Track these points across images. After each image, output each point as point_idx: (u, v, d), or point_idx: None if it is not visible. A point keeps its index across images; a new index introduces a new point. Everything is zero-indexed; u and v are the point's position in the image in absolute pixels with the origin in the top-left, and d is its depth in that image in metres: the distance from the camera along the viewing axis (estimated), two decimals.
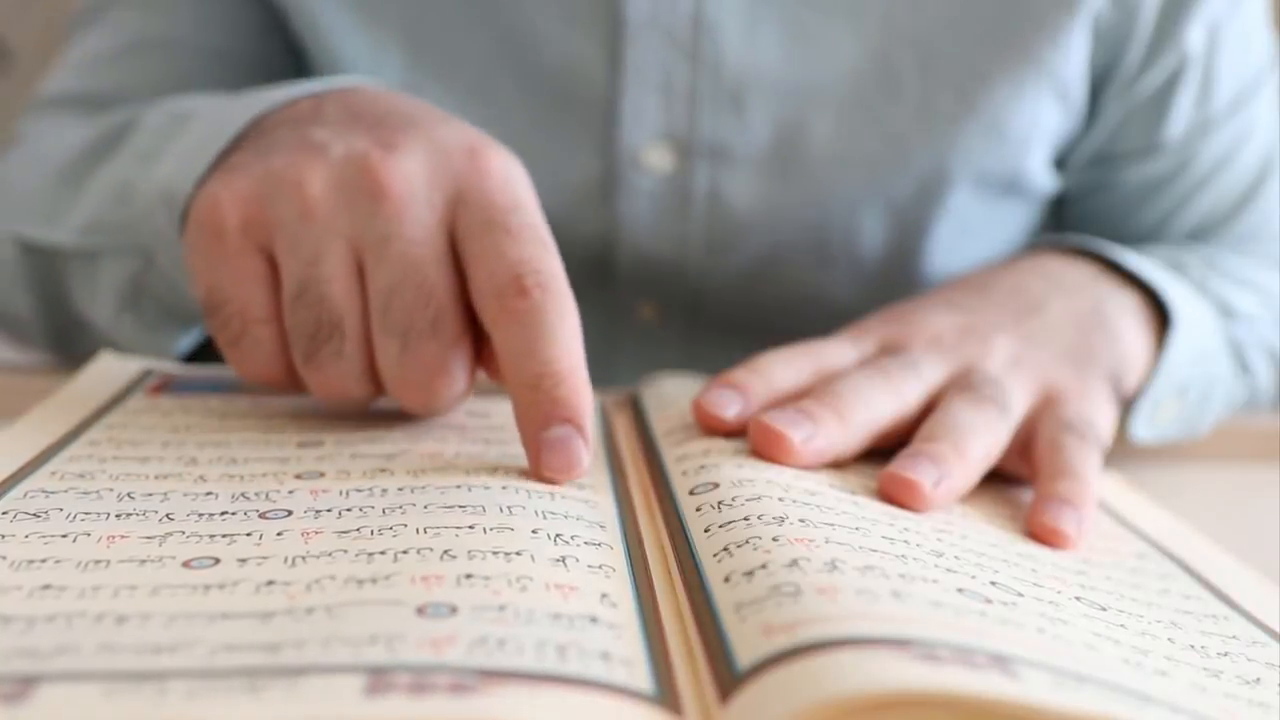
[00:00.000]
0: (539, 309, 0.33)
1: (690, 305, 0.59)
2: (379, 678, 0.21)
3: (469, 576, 0.26)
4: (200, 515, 0.30)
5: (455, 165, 0.35)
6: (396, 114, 0.37)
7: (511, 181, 0.35)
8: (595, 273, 0.59)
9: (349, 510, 0.30)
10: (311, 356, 0.35)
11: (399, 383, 0.35)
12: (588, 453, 0.33)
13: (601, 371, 0.59)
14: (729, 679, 0.23)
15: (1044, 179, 0.57)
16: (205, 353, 0.49)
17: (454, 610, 0.24)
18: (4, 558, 0.27)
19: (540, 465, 0.33)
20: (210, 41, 0.56)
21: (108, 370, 0.42)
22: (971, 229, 0.58)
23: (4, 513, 0.29)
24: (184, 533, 0.29)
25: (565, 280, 0.34)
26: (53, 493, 0.31)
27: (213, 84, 0.55)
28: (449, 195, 0.35)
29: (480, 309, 0.34)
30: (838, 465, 0.36)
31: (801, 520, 0.30)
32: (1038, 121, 0.55)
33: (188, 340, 0.48)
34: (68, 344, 0.52)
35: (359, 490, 0.32)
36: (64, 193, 0.49)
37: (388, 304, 0.34)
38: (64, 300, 0.50)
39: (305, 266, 0.34)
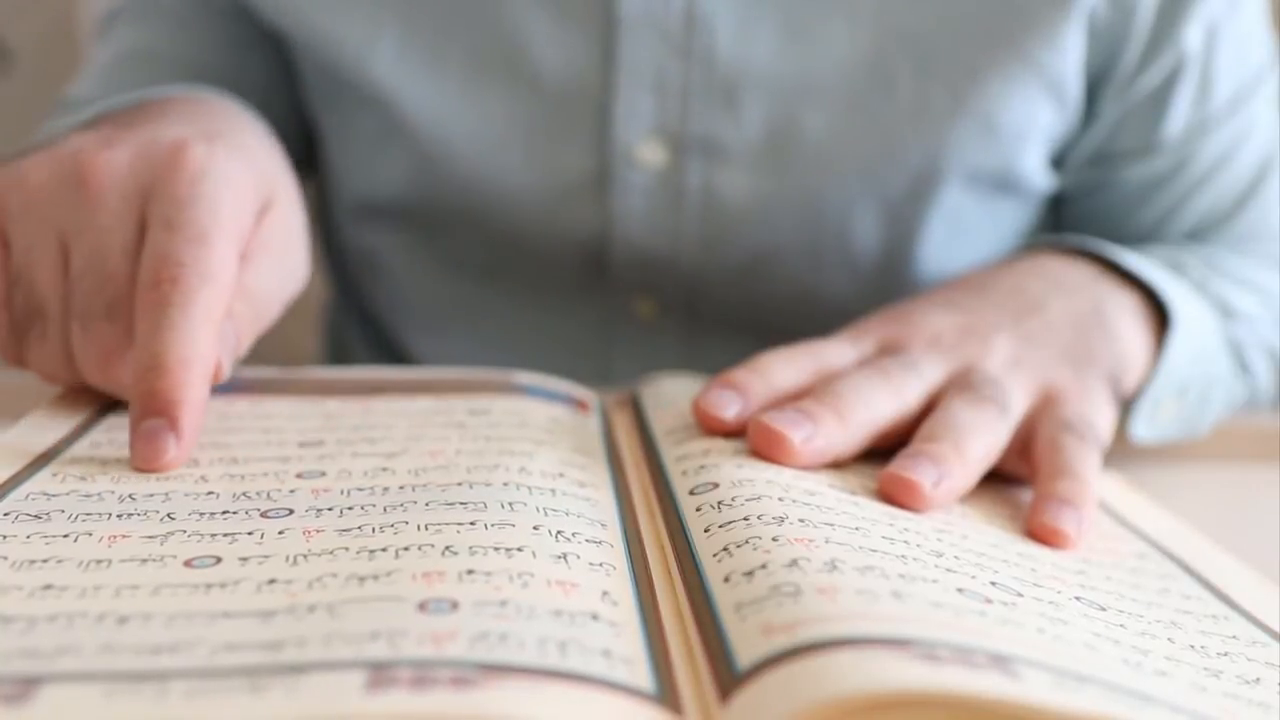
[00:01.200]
0: (164, 301, 0.34)
1: (686, 302, 0.60)
2: (380, 673, 0.21)
3: (470, 572, 0.26)
4: (201, 515, 0.30)
5: (155, 159, 0.37)
6: (168, 115, 0.40)
7: (200, 177, 0.36)
8: (591, 269, 0.59)
9: (350, 509, 0.30)
10: (23, 339, 0.37)
11: (81, 364, 0.36)
12: (179, 447, 0.33)
13: (599, 368, 0.60)
14: (729, 679, 0.23)
15: (1039, 178, 0.57)
16: None
17: (455, 606, 0.24)
18: (5, 558, 0.27)
19: (132, 455, 0.33)
20: (187, 55, 0.59)
21: None
22: (966, 227, 0.58)
23: (5, 514, 0.29)
24: (185, 532, 0.29)
25: (210, 277, 0.34)
26: (54, 494, 0.31)
27: None
28: (143, 187, 0.36)
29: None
30: (838, 465, 0.36)
31: (801, 520, 0.30)
32: (1031, 119, 0.55)
33: None
34: None
35: (360, 489, 0.32)
36: None
37: (76, 290, 0.36)
38: None
39: (21, 255, 0.37)
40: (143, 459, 0.33)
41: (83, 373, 0.37)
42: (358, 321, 0.69)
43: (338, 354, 0.72)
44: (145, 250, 0.35)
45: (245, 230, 0.37)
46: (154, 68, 0.58)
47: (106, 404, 0.39)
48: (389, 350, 0.67)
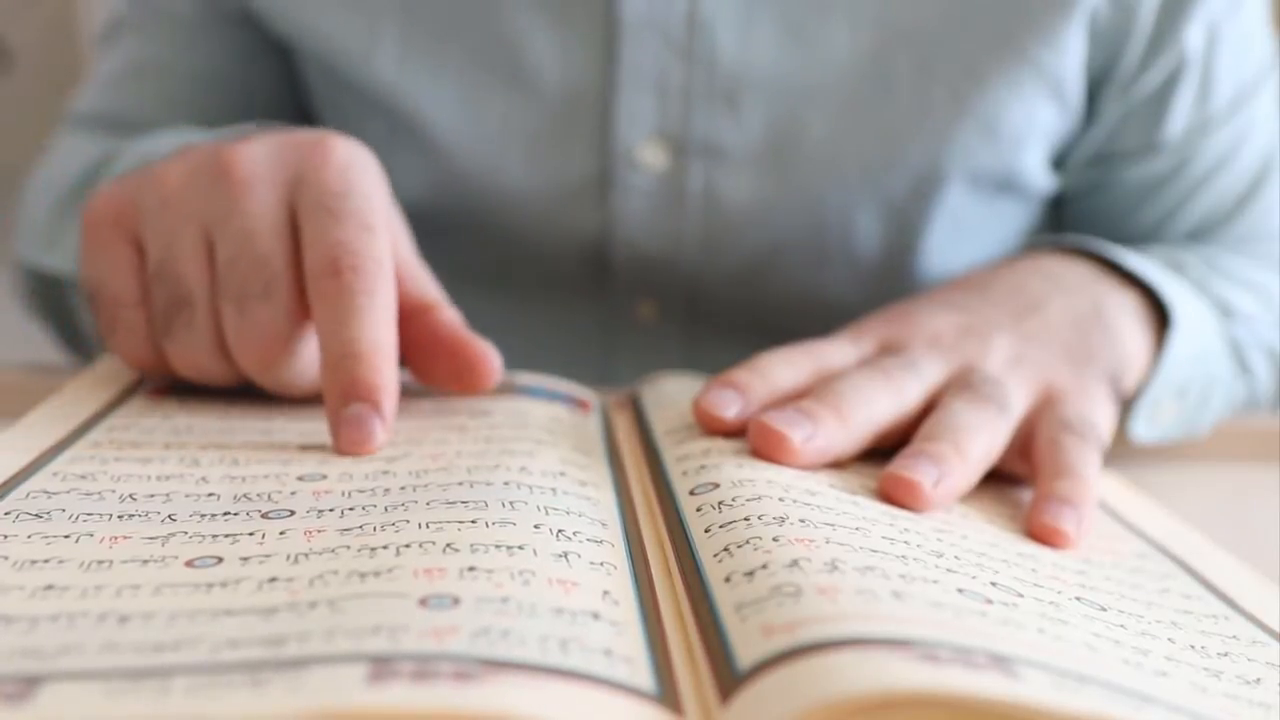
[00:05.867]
0: (348, 290, 0.34)
1: (688, 303, 0.60)
2: (381, 666, 0.21)
3: (471, 569, 0.26)
4: (203, 515, 0.30)
5: (299, 151, 0.37)
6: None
7: (349, 168, 0.37)
8: (592, 271, 0.59)
9: (351, 510, 0.30)
10: (167, 330, 0.37)
11: (237, 348, 0.36)
12: (384, 430, 0.34)
13: (601, 370, 0.60)
14: (729, 679, 0.23)
15: (1040, 178, 0.57)
16: None
17: (456, 602, 0.24)
18: (6, 558, 0.27)
19: (337, 440, 0.34)
20: (197, 66, 0.59)
21: (110, 371, 0.42)
22: (967, 227, 0.58)
23: (6, 513, 0.29)
24: (186, 533, 0.29)
25: (385, 264, 0.35)
26: (55, 493, 0.31)
27: (202, 105, 0.59)
28: (290, 177, 0.37)
29: (307, 289, 0.35)
30: (838, 465, 0.36)
31: (802, 520, 0.30)
32: (1033, 120, 0.55)
33: None
34: (87, 354, 0.55)
35: (361, 491, 0.32)
36: (60, 221, 0.52)
37: (227, 274, 0.36)
38: (71, 318, 0.53)
39: (162, 249, 0.37)
40: (350, 443, 0.34)
41: (237, 356, 0.37)
42: None
43: None
44: (309, 237, 0.35)
45: (391, 223, 0.38)
46: (163, 79, 0.58)
47: (107, 405, 0.39)
48: None
